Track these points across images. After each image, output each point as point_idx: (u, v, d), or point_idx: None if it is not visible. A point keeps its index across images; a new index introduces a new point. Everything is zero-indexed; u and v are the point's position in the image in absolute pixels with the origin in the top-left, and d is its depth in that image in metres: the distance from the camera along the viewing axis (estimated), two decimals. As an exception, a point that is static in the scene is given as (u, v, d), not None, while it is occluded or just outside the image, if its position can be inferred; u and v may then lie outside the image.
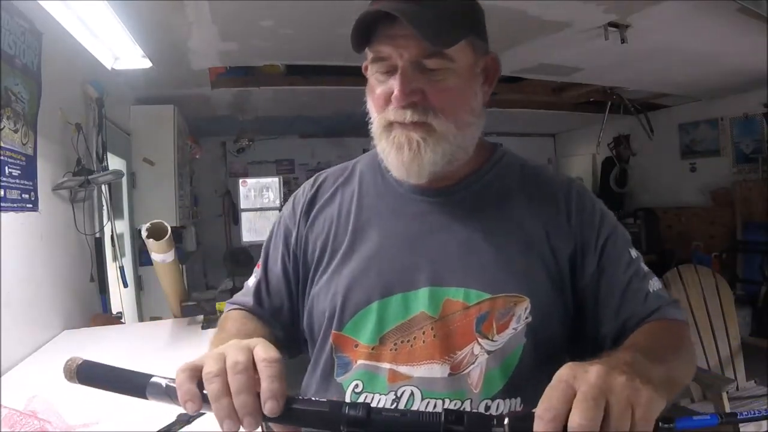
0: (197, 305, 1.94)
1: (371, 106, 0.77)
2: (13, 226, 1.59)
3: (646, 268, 0.79)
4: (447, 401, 0.70)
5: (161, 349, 1.68)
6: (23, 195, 1.68)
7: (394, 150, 0.72)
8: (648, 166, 5.56)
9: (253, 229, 6.74)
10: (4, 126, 1.54)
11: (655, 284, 0.77)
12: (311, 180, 0.91)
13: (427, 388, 0.70)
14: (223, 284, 2.00)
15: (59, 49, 1.93)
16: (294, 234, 0.86)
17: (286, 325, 0.86)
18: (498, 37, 2.76)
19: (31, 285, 1.70)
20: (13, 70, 1.61)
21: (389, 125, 0.73)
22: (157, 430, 0.97)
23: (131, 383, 0.56)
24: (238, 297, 0.93)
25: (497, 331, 0.71)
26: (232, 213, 6.24)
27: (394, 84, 0.70)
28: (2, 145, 1.53)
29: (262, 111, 4.76)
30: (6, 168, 1.56)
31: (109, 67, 2.35)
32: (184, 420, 1.00)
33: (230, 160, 6.22)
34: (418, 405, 0.70)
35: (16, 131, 1.62)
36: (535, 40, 2.82)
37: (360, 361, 0.74)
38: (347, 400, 0.72)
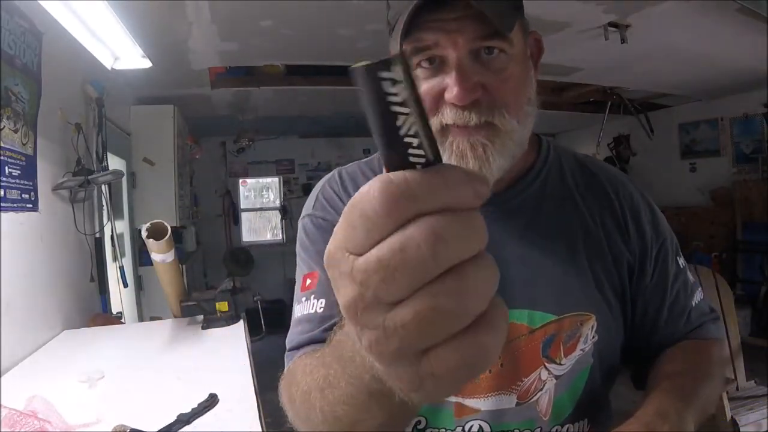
0: (197, 305, 1.93)
1: None
2: (13, 226, 1.59)
3: (691, 277, 0.75)
4: None
5: (161, 349, 1.67)
6: (23, 195, 1.68)
7: (455, 160, 0.61)
8: (648, 166, 5.56)
9: (253, 229, 6.74)
10: (4, 126, 1.54)
11: (698, 296, 0.75)
12: (333, 177, 0.77)
13: (496, 421, 0.66)
14: (223, 284, 2.00)
15: (59, 49, 1.93)
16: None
17: None
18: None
19: (31, 285, 1.70)
20: (13, 70, 1.61)
21: (444, 129, 0.61)
22: (158, 429, 0.97)
23: None
24: (294, 336, 0.70)
25: (565, 354, 0.66)
26: (232, 213, 6.24)
27: (448, 80, 0.58)
28: (2, 145, 1.53)
29: (262, 111, 4.75)
30: (6, 168, 1.55)
31: (109, 67, 2.35)
32: (184, 420, 1.00)
33: (230, 160, 6.22)
34: None
35: (16, 131, 1.62)
36: (535, 40, 2.82)
37: None
38: None
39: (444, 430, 0.67)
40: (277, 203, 6.59)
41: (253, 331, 1.91)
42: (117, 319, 2.37)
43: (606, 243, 0.69)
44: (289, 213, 6.40)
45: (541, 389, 0.66)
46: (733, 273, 4.42)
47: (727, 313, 2.45)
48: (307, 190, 6.55)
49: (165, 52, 2.60)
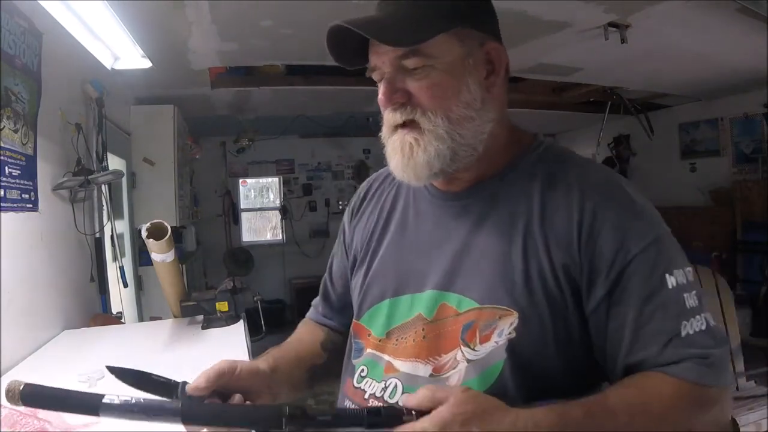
0: (197, 305, 1.93)
1: None
2: (13, 226, 1.59)
3: (691, 301, 0.65)
4: None
5: (161, 349, 1.68)
6: (23, 195, 1.68)
7: (391, 153, 0.75)
8: (648, 166, 5.56)
9: (253, 229, 6.74)
10: (4, 126, 1.54)
11: (694, 326, 0.64)
12: (367, 180, 0.98)
13: (408, 384, 0.73)
14: (223, 284, 2.00)
15: (59, 49, 1.93)
16: (346, 232, 0.96)
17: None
18: (498, 37, 2.77)
19: (31, 285, 1.70)
20: (13, 70, 1.61)
21: (394, 128, 0.75)
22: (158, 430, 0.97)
23: (82, 403, 0.59)
24: (314, 302, 1.04)
25: (480, 341, 0.70)
26: (232, 213, 6.24)
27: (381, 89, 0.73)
28: (2, 145, 1.53)
29: (262, 111, 4.75)
30: (6, 168, 1.55)
31: (109, 67, 2.35)
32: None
33: (230, 160, 6.21)
34: (398, 396, 0.73)
35: (16, 131, 1.62)
36: (535, 40, 2.82)
37: (369, 350, 0.80)
38: (355, 380, 0.80)
39: (374, 380, 0.77)
40: (277, 203, 6.59)
41: (253, 331, 1.91)
42: (117, 319, 2.37)
43: (546, 250, 0.69)
44: (289, 213, 6.39)
45: (454, 369, 0.71)
46: (733, 273, 4.42)
47: (727, 313, 2.45)
48: (307, 190, 6.56)
49: (165, 52, 2.60)
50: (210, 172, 6.01)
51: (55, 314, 1.89)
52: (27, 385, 0.58)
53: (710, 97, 4.63)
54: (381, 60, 0.72)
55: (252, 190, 6.75)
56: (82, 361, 1.46)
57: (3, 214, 1.52)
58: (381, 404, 0.74)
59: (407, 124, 0.72)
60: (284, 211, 6.40)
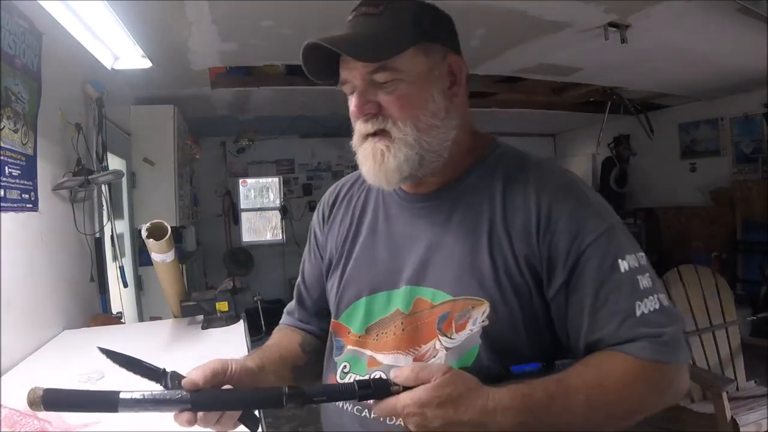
0: (197, 305, 1.93)
1: None
2: (13, 226, 1.59)
3: (645, 283, 0.71)
4: None
5: (161, 349, 1.67)
6: (23, 195, 1.68)
7: (362, 160, 0.80)
8: (648, 166, 5.56)
9: (253, 229, 6.74)
10: (4, 126, 1.54)
11: (648, 304, 0.69)
12: (333, 186, 1.01)
13: None
14: (223, 284, 2.00)
15: (59, 49, 1.93)
16: (318, 237, 0.99)
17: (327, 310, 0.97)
18: (498, 37, 2.77)
19: (31, 285, 1.70)
20: (13, 70, 1.61)
21: (365, 137, 0.79)
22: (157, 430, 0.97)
23: (101, 401, 0.63)
24: (287, 308, 1.06)
25: (456, 330, 0.76)
26: (232, 213, 6.24)
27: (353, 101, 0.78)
28: (2, 145, 1.53)
29: (262, 111, 4.76)
30: (6, 168, 1.56)
31: (109, 67, 2.35)
32: (184, 420, 1.00)
33: (230, 160, 6.21)
34: None
35: (16, 131, 1.62)
36: (535, 40, 2.83)
37: (350, 347, 0.85)
38: (338, 376, 0.85)
39: (357, 375, 0.82)
40: (277, 203, 6.59)
41: (253, 331, 1.91)
42: (117, 319, 2.37)
43: (510, 244, 0.75)
44: (289, 213, 6.39)
45: (434, 357, 0.77)
46: (733, 273, 4.42)
47: (727, 313, 2.45)
48: (307, 190, 6.55)
49: (165, 52, 2.60)
50: (210, 172, 6.01)
51: (55, 314, 1.89)
52: (47, 390, 0.61)
53: (710, 97, 4.63)
54: (352, 74, 0.76)
55: (252, 190, 6.74)
56: (82, 361, 1.46)
57: (3, 214, 1.52)
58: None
59: (378, 133, 0.77)
60: (284, 211, 6.40)
